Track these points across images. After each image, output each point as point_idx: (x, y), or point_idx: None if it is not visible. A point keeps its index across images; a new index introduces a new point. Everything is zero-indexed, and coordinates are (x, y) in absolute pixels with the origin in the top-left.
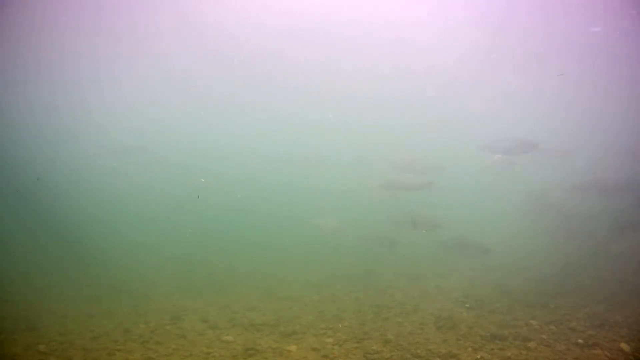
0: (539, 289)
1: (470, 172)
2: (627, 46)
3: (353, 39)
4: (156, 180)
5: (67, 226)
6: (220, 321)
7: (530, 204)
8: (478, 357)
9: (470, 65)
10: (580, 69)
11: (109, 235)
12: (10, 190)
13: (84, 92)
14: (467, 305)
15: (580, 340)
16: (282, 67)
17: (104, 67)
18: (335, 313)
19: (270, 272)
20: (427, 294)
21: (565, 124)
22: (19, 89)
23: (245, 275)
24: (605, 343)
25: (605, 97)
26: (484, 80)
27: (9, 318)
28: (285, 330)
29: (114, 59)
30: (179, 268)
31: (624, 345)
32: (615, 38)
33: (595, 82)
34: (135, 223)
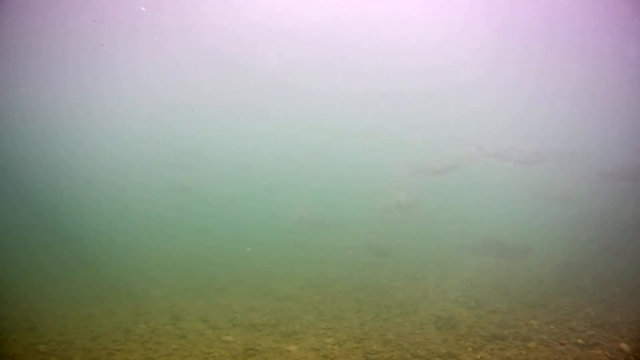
0: (539, 289)
1: (471, 172)
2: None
3: (360, 40)
4: (155, 180)
5: (67, 226)
6: (220, 321)
7: (532, 204)
8: (478, 357)
9: (477, 65)
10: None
11: (110, 235)
12: (10, 190)
13: (83, 92)
14: (468, 305)
15: (580, 340)
16: (287, 68)
17: (104, 67)
18: (335, 313)
19: (270, 272)
20: (427, 294)
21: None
22: (19, 89)
23: (245, 275)
24: (605, 343)
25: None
26: (489, 80)
27: (9, 318)
28: (285, 330)
29: (113, 59)
30: (179, 268)
31: (624, 345)
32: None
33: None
34: (135, 223)
